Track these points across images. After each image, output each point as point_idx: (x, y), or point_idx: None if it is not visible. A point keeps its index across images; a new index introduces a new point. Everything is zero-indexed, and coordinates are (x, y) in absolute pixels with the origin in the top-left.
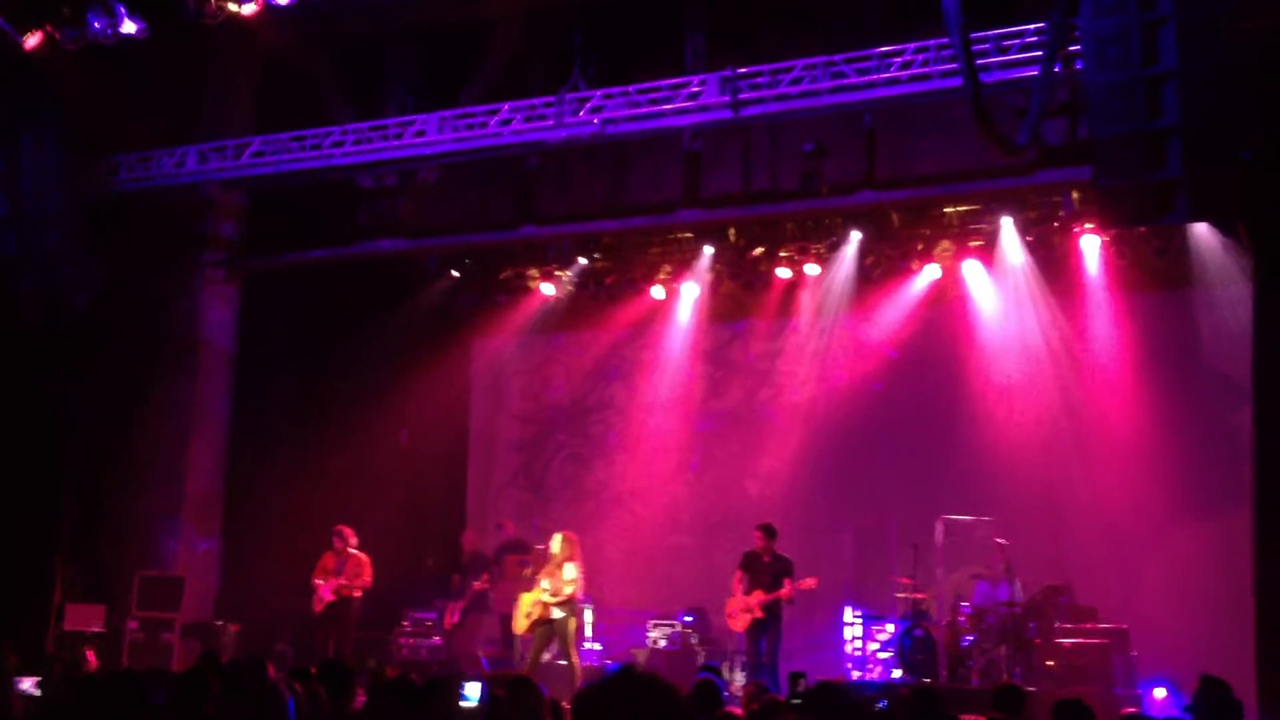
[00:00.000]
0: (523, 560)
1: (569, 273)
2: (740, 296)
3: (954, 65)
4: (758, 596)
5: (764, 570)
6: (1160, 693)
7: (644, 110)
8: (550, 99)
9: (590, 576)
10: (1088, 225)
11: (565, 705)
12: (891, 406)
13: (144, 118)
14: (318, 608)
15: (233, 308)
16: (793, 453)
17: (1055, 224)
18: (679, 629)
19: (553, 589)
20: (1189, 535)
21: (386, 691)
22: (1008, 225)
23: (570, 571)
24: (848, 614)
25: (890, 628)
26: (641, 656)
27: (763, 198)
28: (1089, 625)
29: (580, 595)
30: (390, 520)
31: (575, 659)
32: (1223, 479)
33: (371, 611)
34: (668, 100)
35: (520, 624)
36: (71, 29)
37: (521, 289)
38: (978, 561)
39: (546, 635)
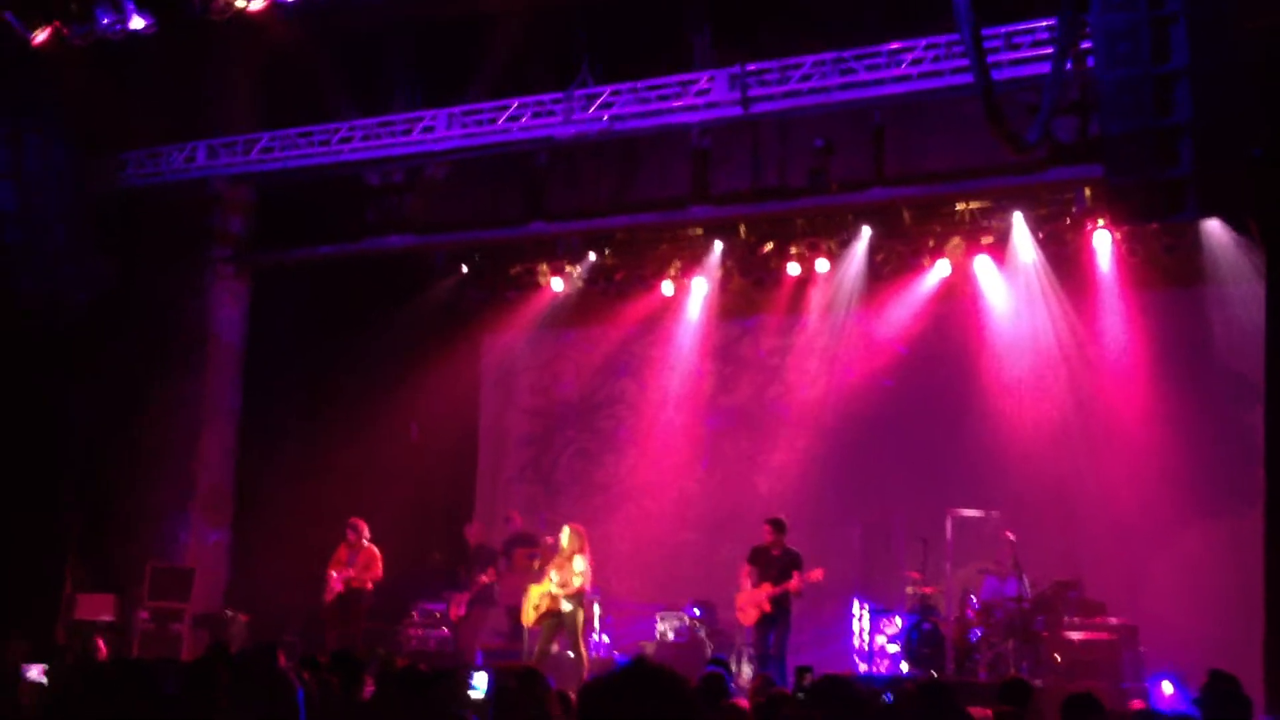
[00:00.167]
0: (531, 553)
1: (579, 268)
2: (750, 293)
3: (965, 62)
4: (766, 590)
5: (773, 564)
6: (1168, 687)
7: (653, 107)
8: (559, 95)
9: (599, 570)
10: (1099, 222)
11: (573, 696)
12: (902, 402)
13: (149, 114)
14: (328, 598)
15: (242, 303)
16: (802, 448)
17: (1067, 221)
18: (687, 622)
19: (561, 581)
20: (1199, 531)
21: (395, 681)
22: (1019, 222)
23: (579, 564)
24: (856, 608)
25: (898, 621)
26: (649, 649)
27: (772, 194)
28: (1097, 620)
29: (589, 588)
30: (399, 513)
31: (584, 651)
32: (1234, 476)
33: (380, 604)
34: (677, 96)
35: (529, 616)
36: (79, 25)
37: (531, 285)
38: (986, 556)
39: (555, 627)
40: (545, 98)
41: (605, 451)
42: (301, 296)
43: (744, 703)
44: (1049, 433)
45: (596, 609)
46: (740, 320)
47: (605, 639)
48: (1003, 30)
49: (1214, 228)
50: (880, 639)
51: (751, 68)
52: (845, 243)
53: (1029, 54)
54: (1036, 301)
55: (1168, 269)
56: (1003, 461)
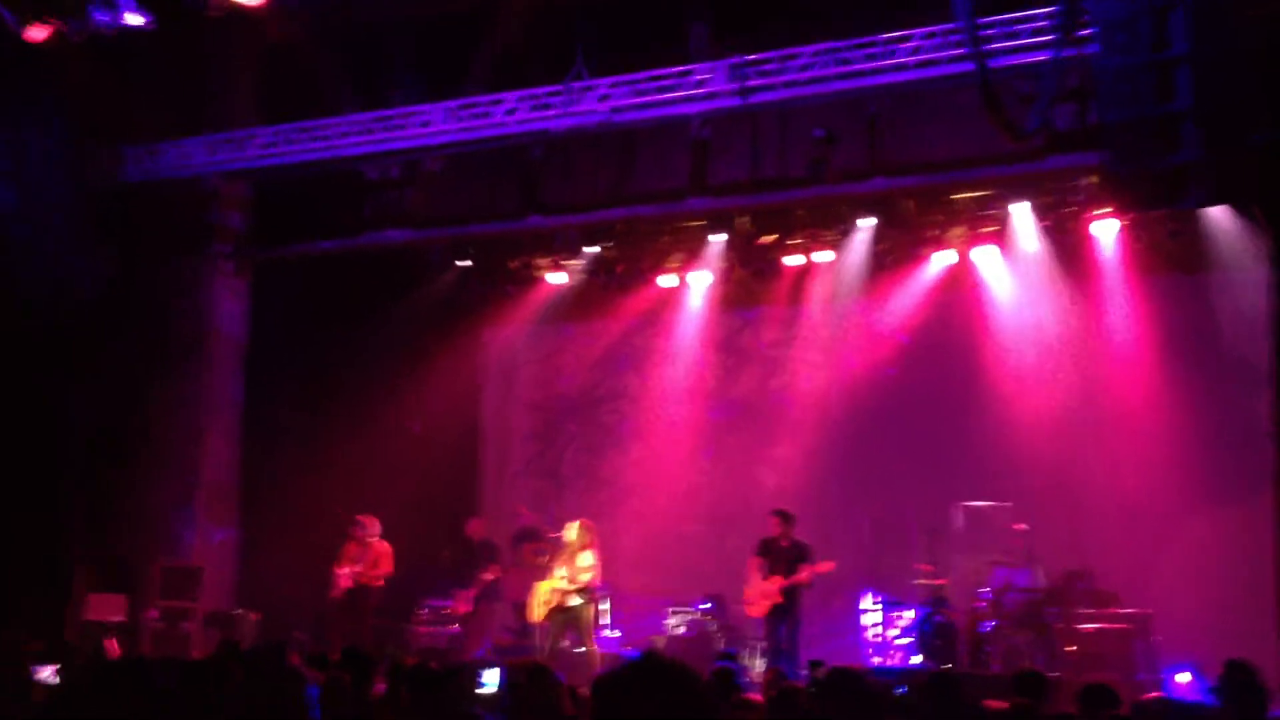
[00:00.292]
0: (539, 548)
1: (578, 262)
2: (751, 284)
3: (963, 50)
4: (776, 582)
5: (782, 556)
6: (1184, 677)
7: (651, 98)
8: (556, 88)
9: (606, 564)
10: (1102, 210)
11: (582, 692)
12: (905, 392)
13: (148, 109)
14: (335, 594)
15: (241, 299)
16: (806, 440)
17: (1069, 209)
18: (697, 616)
19: (570, 576)
20: (1209, 520)
21: (407, 679)
22: (1021, 211)
23: (587, 559)
24: (867, 600)
25: (910, 614)
26: (660, 644)
27: (772, 185)
28: (1110, 610)
29: (597, 583)
30: (404, 509)
31: (592, 646)
32: (1242, 463)
33: (388, 600)
34: (675, 88)
35: (537, 612)
36: (76, 20)
37: (530, 279)
38: (997, 547)
39: (563, 623)
40: (541, 90)
41: (609, 446)
42: (301, 292)
43: (756, 697)
44: (1054, 421)
45: (607, 604)
46: (742, 312)
47: (615, 634)
48: (1001, 19)
49: (1218, 214)
50: (892, 631)
51: (750, 58)
52: (846, 233)
53: (1027, 42)
54: (1040, 290)
55: (1171, 255)
56: (1008, 451)
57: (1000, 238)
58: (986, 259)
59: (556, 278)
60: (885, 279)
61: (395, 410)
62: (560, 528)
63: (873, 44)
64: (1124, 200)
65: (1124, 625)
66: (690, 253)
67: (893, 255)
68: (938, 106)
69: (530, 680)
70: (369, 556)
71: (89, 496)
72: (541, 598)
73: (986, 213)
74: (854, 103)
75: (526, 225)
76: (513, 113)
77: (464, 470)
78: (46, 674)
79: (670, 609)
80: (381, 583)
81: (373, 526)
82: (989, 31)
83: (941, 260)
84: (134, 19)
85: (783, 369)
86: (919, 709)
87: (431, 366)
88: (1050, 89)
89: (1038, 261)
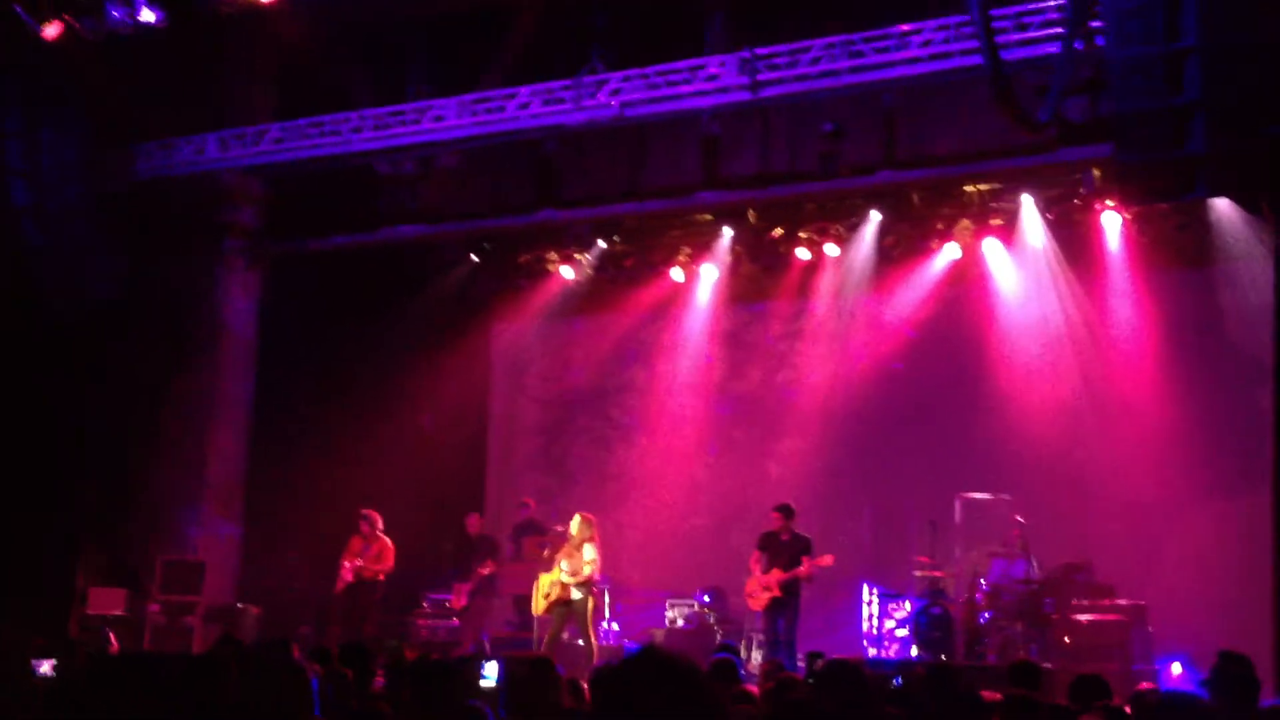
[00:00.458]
0: (541, 542)
1: (588, 256)
2: (760, 278)
3: (974, 43)
4: (776, 575)
5: (782, 549)
6: (1176, 668)
7: (663, 92)
8: (568, 82)
9: (609, 557)
10: (1109, 202)
11: (583, 684)
12: (911, 386)
13: (163, 108)
14: (338, 588)
15: (253, 295)
16: (812, 434)
17: (1076, 201)
18: (697, 609)
19: (571, 570)
20: (1209, 513)
21: (407, 673)
22: (1028, 203)
23: (589, 553)
24: (865, 593)
25: (907, 606)
26: (659, 636)
27: (782, 179)
28: (1106, 602)
29: (599, 576)
30: (410, 504)
31: (593, 639)
32: (1243, 457)
33: (391, 594)
34: (686, 82)
35: (539, 605)
36: (90, 19)
37: (541, 272)
38: (995, 539)
39: (565, 616)
40: (555, 85)
41: (615, 439)
42: (313, 287)
43: (754, 688)
44: (1059, 414)
45: (606, 597)
46: (750, 306)
47: (615, 626)
48: (1012, 11)
49: (1225, 207)
50: (889, 623)
51: (761, 52)
52: (854, 227)
53: (1038, 34)
54: (1046, 283)
55: (1178, 249)
56: (1012, 444)
57: (1007, 231)
58: (993, 252)
59: (566, 272)
60: (892, 273)
61: (404, 404)
62: (565, 521)
63: (884, 37)
64: (1133, 191)
65: (1119, 616)
66: (699, 247)
67: (900, 248)
68: (949, 99)
69: (530, 673)
70: (372, 551)
71: (96, 492)
72: (543, 591)
73: (993, 206)
74: (865, 96)
75: (539, 219)
76: (526, 107)
77: (472, 463)
78: (45, 668)
79: (670, 601)
80: (383, 577)
81: (377, 521)
82: (1001, 23)
83: (948, 254)
84: (148, 15)
85: (789, 363)
86: (915, 700)
87: (441, 361)
88: (1062, 80)
89: (1044, 255)
